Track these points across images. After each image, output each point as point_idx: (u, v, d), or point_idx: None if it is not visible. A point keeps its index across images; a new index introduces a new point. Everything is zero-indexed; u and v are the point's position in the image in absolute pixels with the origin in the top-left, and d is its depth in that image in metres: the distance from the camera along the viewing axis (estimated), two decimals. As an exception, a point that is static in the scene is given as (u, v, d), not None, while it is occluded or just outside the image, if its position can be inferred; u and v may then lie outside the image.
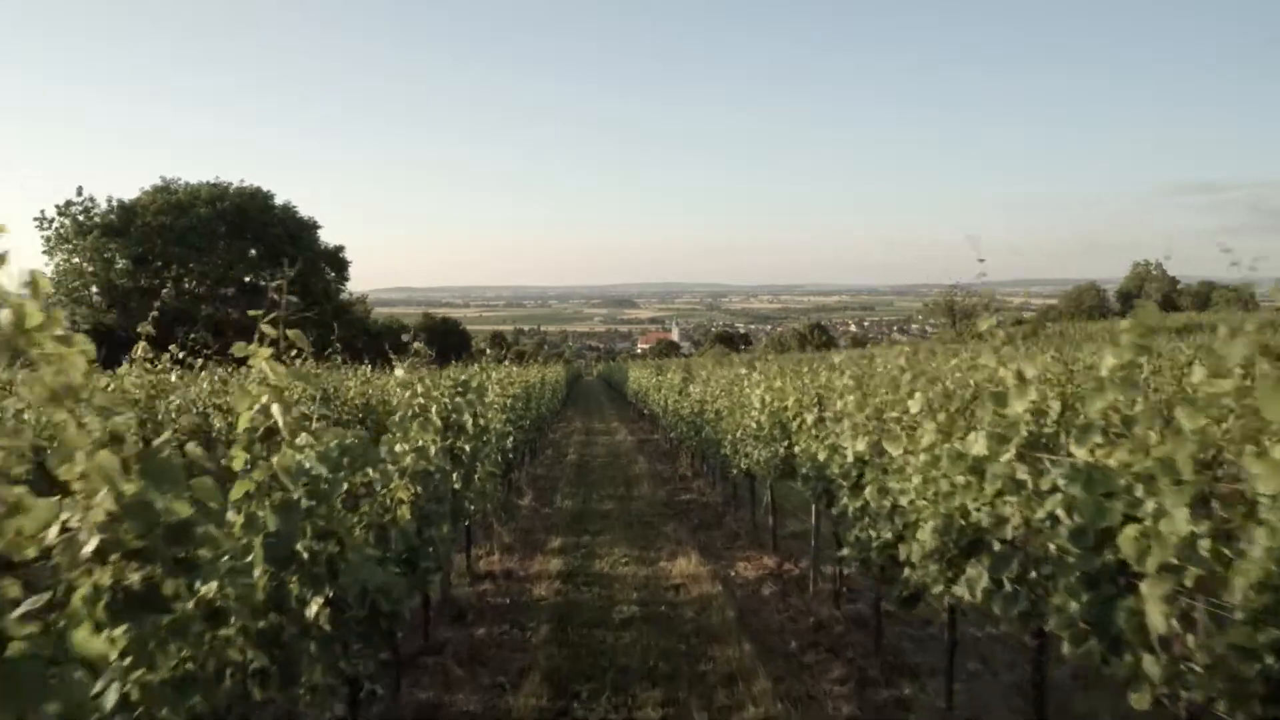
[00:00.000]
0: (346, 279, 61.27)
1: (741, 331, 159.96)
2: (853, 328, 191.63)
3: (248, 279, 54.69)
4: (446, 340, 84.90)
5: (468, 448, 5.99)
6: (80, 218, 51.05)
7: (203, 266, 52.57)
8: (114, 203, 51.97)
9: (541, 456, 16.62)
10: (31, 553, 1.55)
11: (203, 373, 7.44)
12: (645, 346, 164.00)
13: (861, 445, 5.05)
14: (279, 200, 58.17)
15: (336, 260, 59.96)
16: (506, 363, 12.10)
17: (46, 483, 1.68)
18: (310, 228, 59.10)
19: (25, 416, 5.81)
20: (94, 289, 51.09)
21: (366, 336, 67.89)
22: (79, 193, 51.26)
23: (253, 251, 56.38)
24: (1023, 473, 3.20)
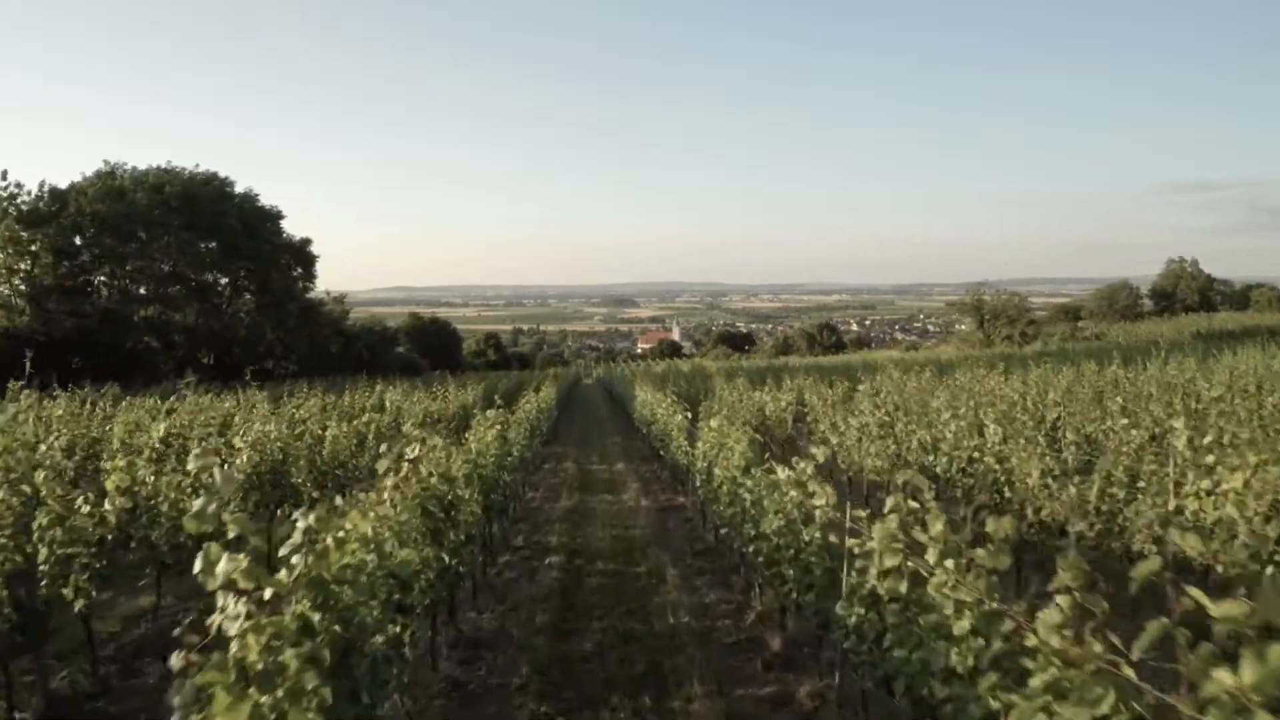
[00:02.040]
0: (314, 275, 54.11)
1: (744, 331, 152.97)
2: (854, 327, 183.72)
3: (196, 278, 47.58)
4: (435, 342, 77.97)
5: None
6: (6, 206, 44.00)
7: (141, 261, 45.11)
8: (45, 188, 44.93)
9: (504, 559, 10.12)
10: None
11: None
12: (646, 346, 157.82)
13: None
14: (240, 188, 51.14)
15: (302, 255, 52.78)
16: (428, 437, 5.59)
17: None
18: (273, 218, 51.67)
19: None
20: (21, 286, 43.82)
21: (343, 339, 61.24)
22: (4, 176, 43.98)
23: (213, 244, 49.35)
24: None
